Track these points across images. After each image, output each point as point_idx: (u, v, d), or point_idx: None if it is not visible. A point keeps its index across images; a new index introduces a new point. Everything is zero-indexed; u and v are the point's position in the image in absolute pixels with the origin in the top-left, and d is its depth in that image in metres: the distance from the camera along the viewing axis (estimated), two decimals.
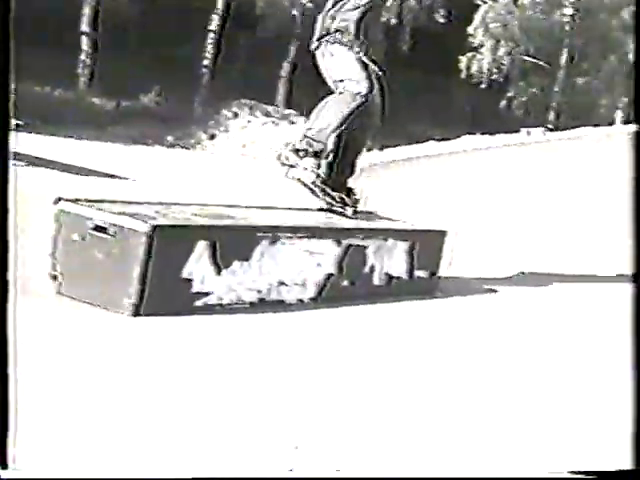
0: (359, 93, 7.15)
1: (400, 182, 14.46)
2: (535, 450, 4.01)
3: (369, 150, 20.01)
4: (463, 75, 27.08)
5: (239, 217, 6.29)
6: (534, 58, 27.76)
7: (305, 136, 7.22)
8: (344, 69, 7.31)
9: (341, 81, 7.28)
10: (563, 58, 27.87)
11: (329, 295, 6.39)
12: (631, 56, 27.50)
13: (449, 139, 18.96)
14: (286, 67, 24.16)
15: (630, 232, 4.24)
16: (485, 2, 26.75)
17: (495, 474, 3.67)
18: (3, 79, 3.52)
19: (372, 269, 6.78)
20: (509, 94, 28.04)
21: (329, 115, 7.18)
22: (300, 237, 6.16)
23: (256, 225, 6.11)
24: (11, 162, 3.47)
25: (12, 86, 3.52)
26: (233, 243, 5.79)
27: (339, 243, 6.44)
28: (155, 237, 5.24)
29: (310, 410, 4.25)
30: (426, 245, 7.24)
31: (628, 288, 5.96)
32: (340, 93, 7.25)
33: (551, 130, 20.59)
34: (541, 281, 8.75)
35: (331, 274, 6.40)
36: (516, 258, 9.67)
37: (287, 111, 20.66)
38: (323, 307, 6.23)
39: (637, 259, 3.79)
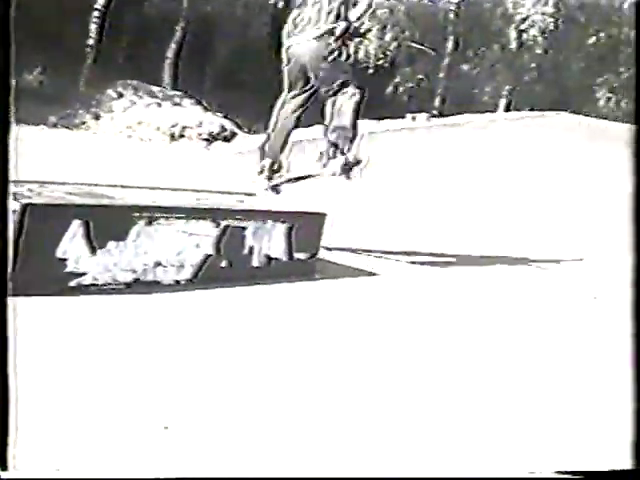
0: None
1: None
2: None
3: (258, 133, 20.00)
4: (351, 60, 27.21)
5: (116, 197, 6.21)
6: (420, 44, 28.06)
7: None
8: None
9: None
10: (448, 45, 28.24)
11: (207, 276, 6.36)
12: (513, 45, 28.16)
13: None
14: (172, 48, 23.88)
15: (630, 233, 4.27)
16: None
17: (493, 474, 3.69)
18: (3, 79, 3.45)
19: (251, 250, 6.78)
20: (395, 80, 28.28)
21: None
22: (177, 218, 6.11)
23: (132, 205, 6.04)
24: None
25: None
26: (108, 223, 5.72)
27: (217, 224, 6.42)
28: (26, 216, 5.14)
29: (179, 394, 4.23)
30: (305, 227, 7.27)
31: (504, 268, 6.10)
32: None
33: (435, 116, 20.86)
34: (418, 263, 8.89)
35: (209, 255, 6.38)
36: (397, 241, 9.80)
37: (172, 92, 20.45)
38: (200, 288, 6.20)
39: (637, 260, 3.83)
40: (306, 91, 8.30)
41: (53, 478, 3.18)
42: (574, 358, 5.92)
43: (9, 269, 4.89)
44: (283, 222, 7.04)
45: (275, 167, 8.34)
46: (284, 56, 8.40)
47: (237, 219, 6.65)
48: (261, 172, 8.26)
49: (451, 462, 3.81)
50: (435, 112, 24.71)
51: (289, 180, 8.45)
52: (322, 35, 7.99)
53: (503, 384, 5.04)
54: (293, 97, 8.37)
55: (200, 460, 3.50)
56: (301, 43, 8.16)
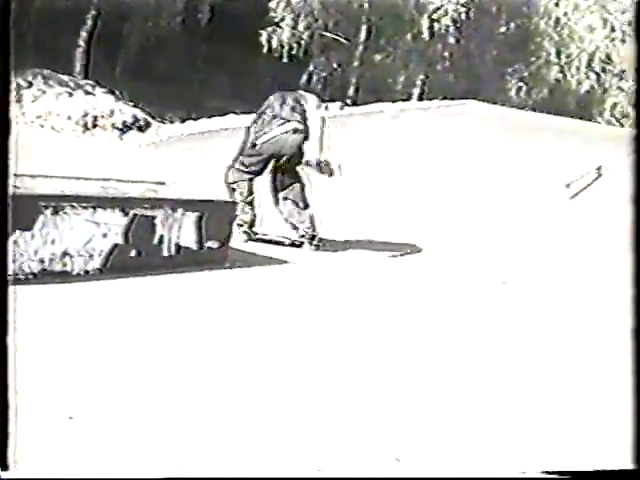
0: None
1: (197, 154, 14.42)
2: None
3: (171, 122, 19.89)
4: (264, 49, 27.04)
5: (21, 186, 6.13)
6: (333, 34, 28.07)
7: None
8: None
9: None
10: (362, 34, 28.29)
11: (116, 266, 6.33)
12: (426, 34, 28.30)
13: (250, 113, 18.96)
14: (83, 36, 23.50)
15: (630, 234, 4.28)
16: None
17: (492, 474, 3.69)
18: (3, 80, 3.38)
19: (161, 240, 6.76)
20: (309, 69, 28.25)
21: None
22: (85, 207, 6.06)
23: (38, 194, 5.97)
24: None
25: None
26: (14, 213, 5.64)
27: (126, 213, 6.38)
28: None
29: (86, 384, 4.21)
30: (216, 216, 7.27)
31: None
32: None
33: (348, 105, 20.92)
34: (335, 250, 8.95)
35: (117, 244, 6.34)
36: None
37: (84, 81, 20.18)
38: (109, 278, 6.17)
39: (637, 261, 3.87)
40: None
41: (53, 478, 3.17)
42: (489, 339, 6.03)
43: None
44: (193, 211, 7.04)
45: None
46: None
47: (146, 208, 6.62)
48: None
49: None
50: (348, 101, 24.76)
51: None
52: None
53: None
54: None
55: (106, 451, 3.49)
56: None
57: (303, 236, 8.98)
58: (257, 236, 8.89)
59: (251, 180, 9.07)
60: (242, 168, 9.15)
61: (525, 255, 10.24)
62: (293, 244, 8.95)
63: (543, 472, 3.64)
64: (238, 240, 8.43)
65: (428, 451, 3.89)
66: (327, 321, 6.02)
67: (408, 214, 11.66)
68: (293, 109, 9.26)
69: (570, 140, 16.72)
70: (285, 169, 9.13)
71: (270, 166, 9.14)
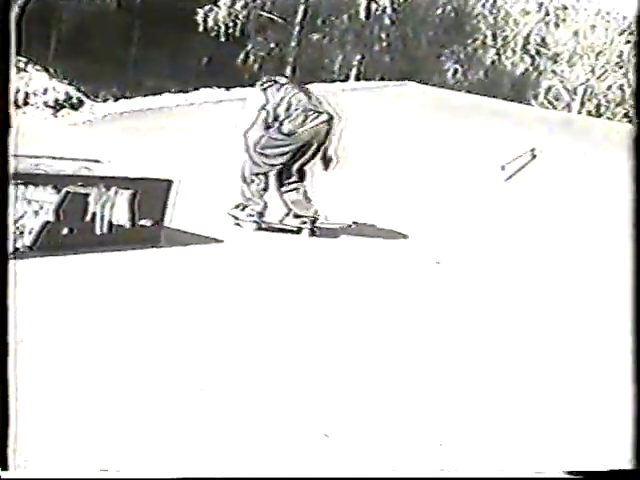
0: None
1: (132, 133, 14.29)
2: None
3: (105, 100, 19.66)
4: (200, 28, 26.90)
5: None
6: (270, 13, 28.02)
7: None
8: None
9: None
10: (299, 14, 28.26)
11: (47, 244, 6.23)
12: (362, 15, 28.40)
13: (186, 92, 18.87)
14: (16, 12, 23.16)
15: (630, 234, 4.27)
16: None
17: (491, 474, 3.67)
18: (4, 79, 3.27)
19: (93, 217, 6.67)
20: (247, 48, 28.19)
21: None
22: (15, 184, 5.94)
23: None
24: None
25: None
26: None
27: (58, 190, 6.28)
28: None
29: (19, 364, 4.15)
30: (150, 194, 7.19)
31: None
32: None
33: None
34: (270, 230, 8.94)
35: (48, 222, 6.24)
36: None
37: (16, 58, 19.86)
38: (40, 256, 6.07)
39: (637, 259, 3.83)
40: None
41: (53, 478, 3.13)
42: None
43: None
44: (127, 188, 6.95)
45: None
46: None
47: (79, 185, 6.52)
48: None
49: None
50: None
51: None
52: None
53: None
54: None
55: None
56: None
57: (305, 223, 9.06)
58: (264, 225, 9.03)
59: (270, 172, 9.10)
60: (265, 161, 9.09)
61: (460, 236, 10.32)
62: (292, 231, 9.04)
63: (537, 472, 3.66)
64: (248, 229, 8.80)
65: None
66: (256, 300, 6.01)
67: (345, 195, 11.68)
68: (318, 101, 9.24)
69: (505, 122, 16.89)
70: (303, 161, 9.17)
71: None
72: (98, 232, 6.71)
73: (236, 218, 9.02)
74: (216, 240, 7.85)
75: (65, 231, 6.41)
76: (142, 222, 7.09)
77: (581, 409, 4.75)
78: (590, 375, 5.32)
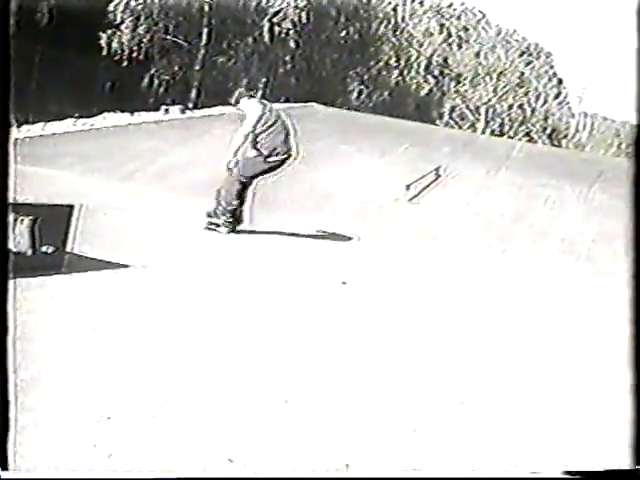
0: None
1: (33, 159, 14.06)
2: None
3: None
4: (104, 52, 26.68)
5: None
6: (174, 37, 27.92)
7: None
8: None
9: None
10: (203, 37, 28.22)
11: None
12: (267, 38, 28.49)
13: (89, 117, 18.67)
14: None
15: (630, 233, 4.24)
16: None
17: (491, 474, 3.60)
18: (4, 80, 3.16)
19: None
20: (150, 72, 28.01)
21: None
22: None
23: None
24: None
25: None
26: None
27: None
28: None
29: None
30: (51, 220, 7.08)
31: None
32: None
33: (189, 108, 20.80)
34: (192, 255, 8.87)
35: None
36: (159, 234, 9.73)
37: None
38: None
39: (637, 259, 3.80)
40: None
41: (53, 478, 3.04)
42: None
43: None
44: (27, 215, 6.83)
45: None
46: None
47: None
48: None
49: None
50: (190, 104, 24.66)
51: None
52: None
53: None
54: None
55: None
56: None
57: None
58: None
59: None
60: (266, 167, 10.41)
61: (366, 256, 10.39)
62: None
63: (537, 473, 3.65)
64: (223, 232, 10.21)
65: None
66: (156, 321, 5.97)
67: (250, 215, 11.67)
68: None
69: (410, 142, 17.06)
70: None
71: None
72: None
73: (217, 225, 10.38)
74: (120, 265, 7.76)
75: None
76: (44, 249, 6.97)
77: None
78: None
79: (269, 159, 10.33)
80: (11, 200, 7.10)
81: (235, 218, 10.41)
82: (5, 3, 3.43)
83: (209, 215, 10.42)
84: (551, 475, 3.66)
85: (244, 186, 10.45)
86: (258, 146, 10.29)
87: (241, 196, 10.45)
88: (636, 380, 3.74)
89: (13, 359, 3.30)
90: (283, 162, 10.44)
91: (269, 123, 10.33)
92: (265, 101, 11.01)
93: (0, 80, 3.31)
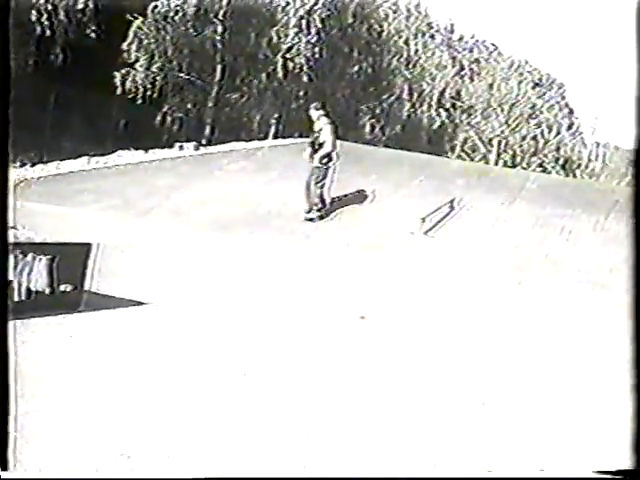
0: None
1: (49, 198, 14.14)
2: None
3: (22, 165, 19.43)
4: (118, 91, 26.81)
5: None
6: (187, 74, 28.05)
7: None
8: None
9: None
10: (216, 74, 28.33)
11: None
12: (280, 73, 28.55)
13: (103, 155, 18.75)
14: None
15: (630, 233, 4.24)
16: (136, 18, 26.64)
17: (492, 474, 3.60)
18: (3, 83, 3.22)
19: (11, 284, 6.55)
20: (164, 110, 28.11)
21: None
22: None
23: None
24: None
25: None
26: None
27: None
28: None
29: None
30: (69, 259, 7.11)
31: None
32: None
33: (203, 145, 20.87)
34: (197, 293, 8.88)
35: None
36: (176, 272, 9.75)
37: None
38: None
39: (637, 261, 3.81)
40: None
41: (53, 478, 3.06)
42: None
43: None
44: (45, 254, 6.86)
45: None
46: None
47: None
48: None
49: None
50: (204, 141, 24.73)
51: None
52: None
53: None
54: None
55: None
56: None
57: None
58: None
59: None
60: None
61: (383, 290, 10.37)
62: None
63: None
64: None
65: None
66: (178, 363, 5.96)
67: (264, 249, 11.71)
68: None
69: (424, 175, 17.07)
70: None
71: None
72: (17, 299, 6.60)
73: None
74: (139, 302, 7.78)
75: None
76: (62, 287, 6.99)
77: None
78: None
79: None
80: (29, 239, 7.15)
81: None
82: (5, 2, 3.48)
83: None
84: (553, 475, 3.66)
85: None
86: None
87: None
88: (636, 380, 3.76)
89: (14, 365, 3.32)
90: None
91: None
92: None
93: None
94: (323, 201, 14.15)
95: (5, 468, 3.11)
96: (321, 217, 13.99)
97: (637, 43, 4.35)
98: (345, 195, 14.90)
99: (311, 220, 13.85)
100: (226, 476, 3.44)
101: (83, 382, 5.21)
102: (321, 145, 13.97)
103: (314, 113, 14.58)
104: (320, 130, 14.17)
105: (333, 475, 3.91)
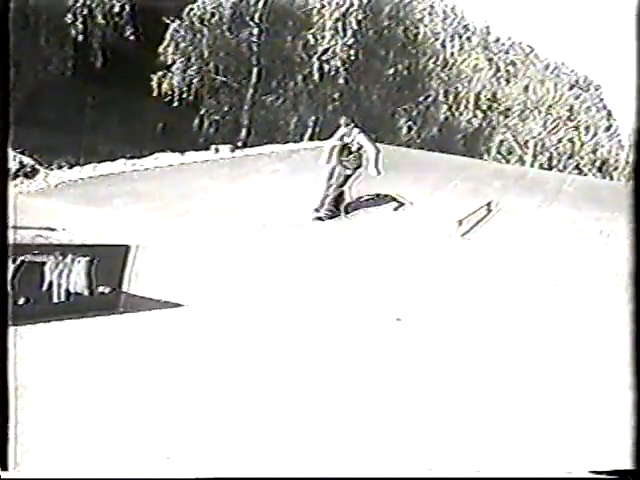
0: None
1: (87, 200, 14.23)
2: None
3: (60, 168, 19.58)
4: (155, 93, 26.95)
5: None
6: (223, 77, 28.12)
7: None
8: None
9: None
10: (252, 77, 28.41)
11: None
12: (316, 76, 28.58)
13: (140, 157, 18.83)
14: None
15: (630, 233, 4.23)
16: (173, 21, 26.76)
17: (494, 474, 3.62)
18: (3, 82, 3.29)
19: (50, 286, 6.62)
20: (200, 112, 28.21)
21: None
22: None
23: None
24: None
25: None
26: None
27: (13, 260, 6.23)
28: None
29: None
30: (107, 260, 7.16)
31: None
32: None
33: (239, 147, 20.90)
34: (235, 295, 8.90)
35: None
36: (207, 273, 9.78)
37: None
38: None
39: (637, 259, 3.81)
40: None
41: (53, 478, 3.11)
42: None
43: None
44: (84, 256, 6.91)
45: None
46: None
47: (35, 254, 6.47)
48: None
49: None
50: (239, 143, 24.77)
51: None
52: None
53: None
54: None
55: None
56: None
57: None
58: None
59: None
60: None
61: (419, 292, 10.34)
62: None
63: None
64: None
65: None
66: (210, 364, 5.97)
67: (300, 251, 11.71)
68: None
69: (460, 177, 17.01)
70: None
71: None
72: (56, 301, 6.66)
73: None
74: (177, 305, 7.81)
75: (22, 301, 6.35)
76: (100, 289, 7.04)
77: None
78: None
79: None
80: (67, 241, 7.21)
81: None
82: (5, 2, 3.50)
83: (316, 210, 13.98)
84: (554, 475, 3.64)
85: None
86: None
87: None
88: (636, 380, 3.74)
89: (13, 364, 3.33)
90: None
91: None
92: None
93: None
94: (337, 205, 14.27)
95: (5, 468, 3.13)
96: (331, 217, 14.07)
97: (637, 42, 4.31)
98: (377, 196, 14.89)
99: (320, 219, 13.93)
100: (234, 476, 3.44)
101: (119, 383, 5.24)
102: (355, 151, 14.28)
103: (344, 128, 14.75)
104: (353, 139, 14.38)
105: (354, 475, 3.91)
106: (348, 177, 14.27)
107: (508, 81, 37.06)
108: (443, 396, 5.81)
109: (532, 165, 34.58)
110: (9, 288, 6.20)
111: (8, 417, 3.18)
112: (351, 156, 14.27)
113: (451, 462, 4.35)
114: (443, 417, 5.33)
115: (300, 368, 6.10)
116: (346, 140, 14.39)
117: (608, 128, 39.26)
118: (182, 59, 27.43)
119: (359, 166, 14.27)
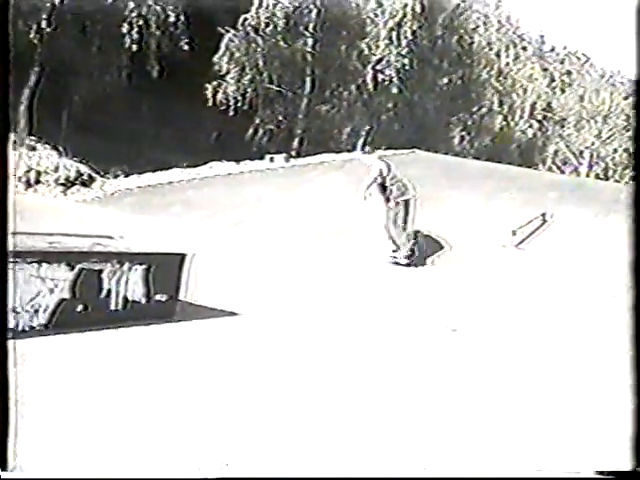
0: None
1: (142, 208, 14.37)
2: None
3: (116, 177, 19.77)
4: (210, 103, 27.14)
5: None
6: (278, 86, 28.25)
7: None
8: None
9: None
10: (306, 86, 28.52)
11: (62, 321, 6.22)
12: (370, 85, 28.62)
13: (195, 166, 18.97)
14: (27, 92, 23.45)
15: (630, 234, 4.23)
16: (227, 31, 26.93)
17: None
18: (3, 82, 3.36)
19: (108, 293, 6.67)
20: (255, 122, 28.37)
21: None
22: (29, 262, 5.96)
23: None
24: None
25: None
26: None
27: (72, 267, 6.29)
28: None
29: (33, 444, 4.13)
30: (163, 268, 7.20)
31: None
32: None
33: (293, 157, 20.97)
34: (282, 303, 8.91)
35: (64, 299, 6.24)
36: (257, 281, 9.81)
37: (27, 138, 20.01)
38: (56, 333, 6.06)
39: (637, 260, 3.82)
40: None
41: (53, 478, 3.14)
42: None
43: None
44: (141, 264, 6.96)
45: None
46: None
47: (93, 262, 6.53)
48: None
49: None
50: (293, 153, 24.84)
51: None
52: None
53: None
54: None
55: None
56: None
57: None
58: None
59: None
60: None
61: (474, 302, 10.29)
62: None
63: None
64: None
65: None
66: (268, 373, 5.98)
67: (354, 260, 11.70)
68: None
69: (514, 187, 16.91)
70: None
71: None
72: (113, 308, 6.71)
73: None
74: (232, 313, 7.83)
75: (80, 308, 6.41)
76: (157, 297, 7.08)
77: None
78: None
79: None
80: (124, 249, 7.26)
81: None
82: (4, 2, 3.52)
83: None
84: (554, 475, 3.61)
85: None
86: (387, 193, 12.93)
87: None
88: (636, 380, 3.72)
89: (13, 362, 3.36)
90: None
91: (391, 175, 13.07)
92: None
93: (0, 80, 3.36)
94: (412, 249, 12.77)
95: (5, 468, 3.14)
96: (409, 264, 12.51)
97: (637, 43, 4.24)
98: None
99: (397, 264, 12.42)
100: (227, 476, 3.43)
101: (174, 391, 5.26)
102: (388, 185, 12.97)
103: (367, 158, 13.94)
104: (381, 171, 13.04)
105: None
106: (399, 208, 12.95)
107: (563, 91, 36.80)
108: (497, 405, 5.77)
109: (588, 175, 34.29)
110: (69, 294, 6.29)
111: (8, 418, 3.19)
112: (394, 187, 12.96)
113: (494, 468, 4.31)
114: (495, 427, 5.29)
115: (356, 378, 6.09)
116: (375, 170, 13.08)
117: None
118: (236, 69, 27.58)
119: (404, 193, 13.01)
